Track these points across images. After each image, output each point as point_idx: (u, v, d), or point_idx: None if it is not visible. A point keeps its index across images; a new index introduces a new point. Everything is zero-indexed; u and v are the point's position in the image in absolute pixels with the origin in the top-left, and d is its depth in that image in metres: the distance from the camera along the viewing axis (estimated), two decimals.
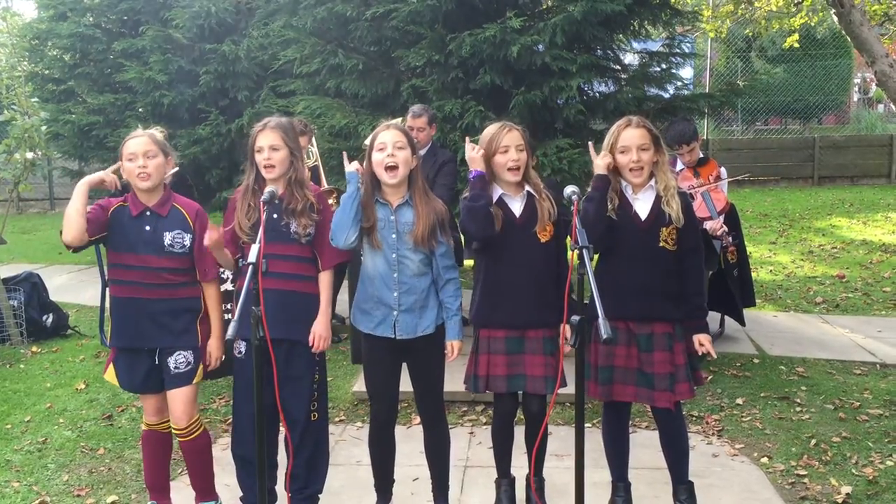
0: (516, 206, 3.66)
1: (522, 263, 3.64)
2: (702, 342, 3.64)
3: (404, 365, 3.76)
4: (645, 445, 4.46)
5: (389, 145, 3.51)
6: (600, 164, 3.56)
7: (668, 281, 3.63)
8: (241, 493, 3.84)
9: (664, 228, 3.59)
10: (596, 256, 3.72)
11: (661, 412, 3.67)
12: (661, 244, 3.60)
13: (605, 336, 2.81)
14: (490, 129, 3.67)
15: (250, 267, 3.12)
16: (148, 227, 3.61)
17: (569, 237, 3.30)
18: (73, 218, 3.46)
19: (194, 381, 3.71)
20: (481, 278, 3.76)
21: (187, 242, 3.64)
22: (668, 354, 3.60)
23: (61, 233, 3.54)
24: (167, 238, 3.61)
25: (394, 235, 3.57)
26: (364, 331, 3.68)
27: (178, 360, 3.66)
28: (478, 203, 3.53)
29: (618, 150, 3.60)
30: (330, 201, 5.81)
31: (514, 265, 3.65)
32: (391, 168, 3.51)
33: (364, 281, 3.67)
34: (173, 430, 3.78)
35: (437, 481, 3.88)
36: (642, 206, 3.63)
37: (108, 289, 3.85)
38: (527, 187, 3.68)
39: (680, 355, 3.62)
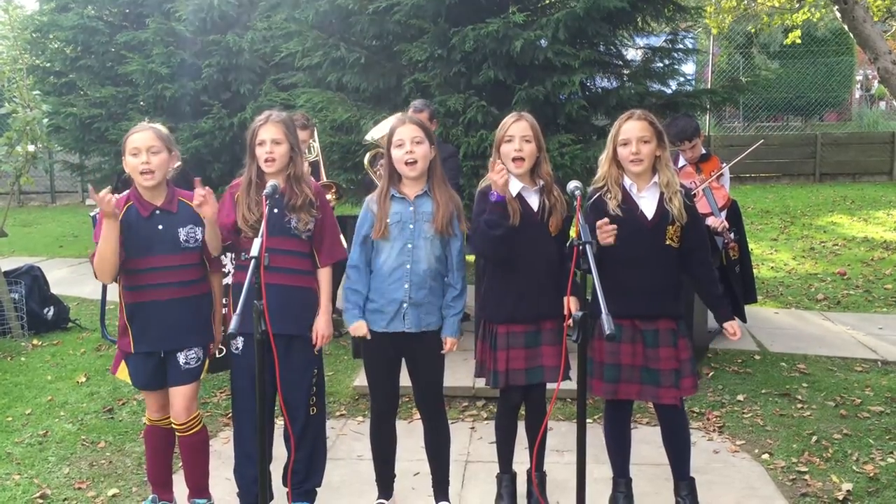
0: (534, 201, 3.64)
1: (540, 257, 3.62)
2: (732, 329, 3.70)
3: (403, 360, 3.78)
4: (646, 441, 4.46)
5: (408, 141, 3.54)
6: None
7: (673, 278, 3.63)
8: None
9: (670, 227, 3.57)
10: None
11: (666, 408, 3.67)
12: (668, 242, 3.58)
13: (608, 332, 2.80)
14: (503, 122, 3.67)
15: (252, 261, 3.12)
16: (161, 227, 3.57)
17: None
18: (109, 259, 3.44)
19: (201, 377, 3.72)
20: (499, 273, 3.70)
21: (199, 236, 3.62)
22: (672, 350, 3.58)
23: (92, 259, 3.51)
24: (182, 234, 3.58)
25: (411, 226, 3.59)
26: (377, 330, 3.66)
27: (189, 355, 3.64)
28: (495, 231, 3.51)
29: (619, 142, 3.58)
30: (329, 196, 5.82)
31: (533, 259, 3.62)
32: (410, 163, 3.55)
33: (375, 279, 3.66)
34: (173, 425, 3.75)
35: (437, 477, 3.88)
36: (648, 204, 3.60)
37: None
38: (539, 181, 3.65)
39: (684, 351, 3.61)
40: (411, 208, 3.60)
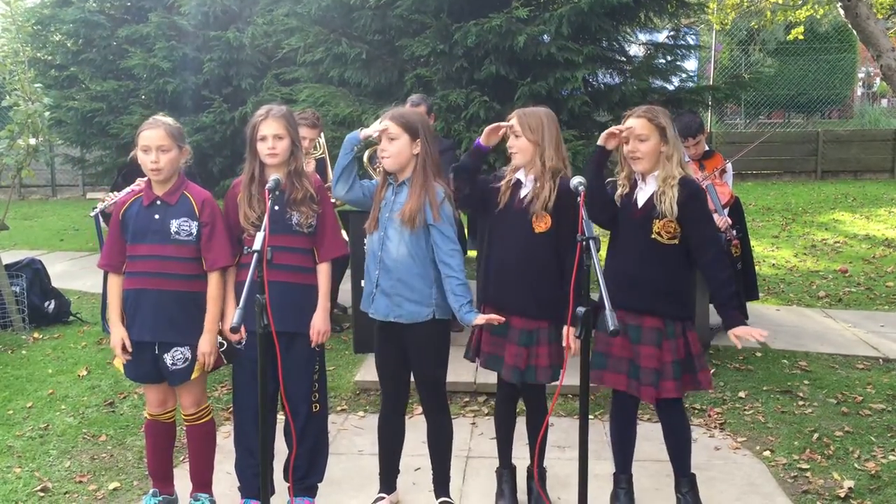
0: (524, 190, 3.64)
1: (511, 248, 3.61)
2: (738, 335, 3.43)
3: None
4: (647, 438, 4.45)
5: (383, 136, 3.58)
6: (603, 134, 3.58)
7: (662, 276, 3.56)
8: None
9: (657, 221, 3.53)
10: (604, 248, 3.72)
11: (663, 405, 3.65)
12: (654, 236, 3.54)
13: (611, 328, 2.80)
14: None
15: (255, 255, 3.12)
16: (157, 216, 3.60)
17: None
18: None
19: (193, 377, 3.66)
20: (483, 257, 3.81)
21: (193, 230, 3.61)
22: (655, 350, 3.53)
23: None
24: (174, 225, 3.58)
25: (388, 214, 3.61)
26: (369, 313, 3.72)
27: (176, 356, 3.62)
28: (457, 163, 3.72)
29: (622, 138, 3.60)
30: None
31: (504, 248, 3.64)
32: (384, 158, 3.60)
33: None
34: (182, 415, 3.79)
35: (438, 473, 3.87)
36: (642, 196, 3.61)
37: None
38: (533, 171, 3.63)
39: (668, 353, 3.53)
40: (393, 197, 3.62)
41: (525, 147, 3.59)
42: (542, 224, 3.57)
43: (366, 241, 3.74)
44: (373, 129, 3.59)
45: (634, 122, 3.55)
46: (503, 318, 3.51)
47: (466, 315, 3.51)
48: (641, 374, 3.56)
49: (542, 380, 3.61)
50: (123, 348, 3.63)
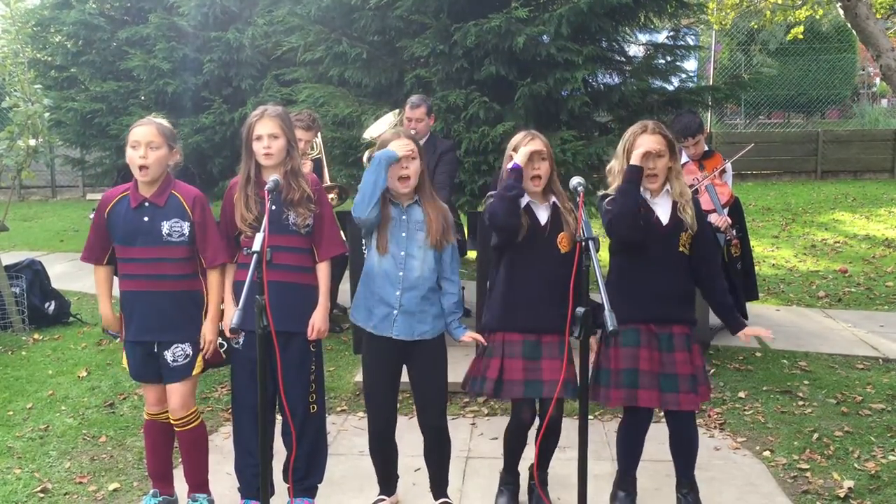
0: (542, 215, 3.62)
1: (544, 270, 3.59)
2: (747, 334, 3.66)
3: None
4: (648, 438, 4.44)
5: (409, 156, 3.53)
6: (635, 154, 3.51)
7: (686, 284, 3.65)
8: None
9: (683, 234, 3.58)
10: (606, 253, 3.72)
11: (679, 416, 3.64)
12: (681, 249, 3.59)
13: (611, 328, 2.79)
14: (515, 138, 3.65)
15: (254, 256, 3.12)
16: (146, 218, 3.57)
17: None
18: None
19: (193, 374, 3.67)
20: (500, 281, 3.68)
21: (186, 231, 3.59)
22: (687, 355, 3.58)
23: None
24: (165, 227, 3.56)
25: (404, 234, 3.55)
26: (364, 328, 3.65)
27: (176, 352, 3.62)
28: (510, 192, 3.47)
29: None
30: (331, 196, 5.82)
31: (536, 271, 3.60)
32: (404, 179, 3.54)
33: (367, 278, 3.64)
34: (171, 420, 3.76)
35: (436, 480, 3.85)
36: (662, 211, 3.60)
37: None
38: (553, 197, 3.64)
39: (698, 357, 3.62)
40: (404, 216, 3.57)
41: (548, 171, 3.61)
42: (565, 245, 3.60)
43: (373, 261, 3.63)
44: (405, 150, 3.50)
45: (651, 139, 3.53)
46: (484, 342, 3.64)
47: (456, 330, 3.64)
48: (680, 382, 3.56)
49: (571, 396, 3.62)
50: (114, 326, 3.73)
